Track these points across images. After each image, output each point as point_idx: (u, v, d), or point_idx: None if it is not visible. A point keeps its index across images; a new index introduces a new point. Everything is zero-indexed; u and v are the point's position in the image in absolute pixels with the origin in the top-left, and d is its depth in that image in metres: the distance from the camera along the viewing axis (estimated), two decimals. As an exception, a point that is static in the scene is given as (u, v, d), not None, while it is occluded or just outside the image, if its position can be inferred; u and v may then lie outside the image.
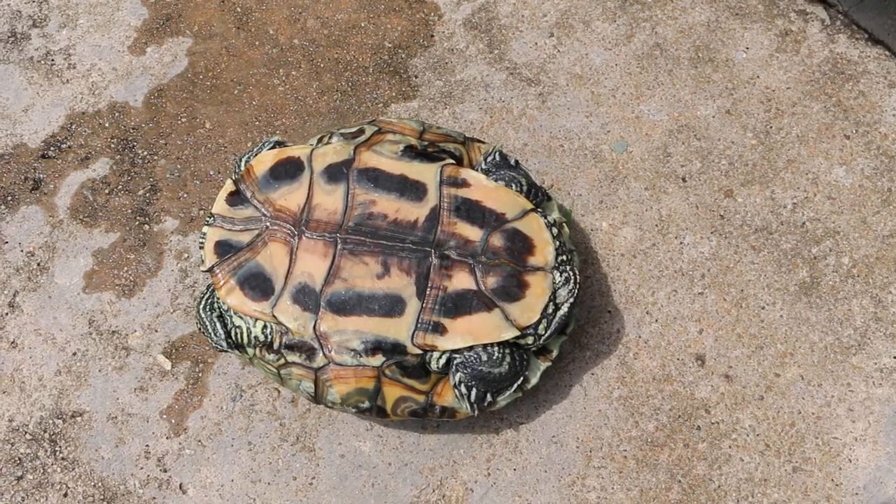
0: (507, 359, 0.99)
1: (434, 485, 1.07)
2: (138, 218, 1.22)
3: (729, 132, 1.23)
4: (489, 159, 1.07)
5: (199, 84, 1.31)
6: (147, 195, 1.23)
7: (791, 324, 1.13)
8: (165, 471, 1.09)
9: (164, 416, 1.11)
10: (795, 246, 1.16)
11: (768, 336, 1.12)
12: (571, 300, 1.01)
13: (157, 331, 1.16)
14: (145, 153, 1.26)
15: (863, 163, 1.21)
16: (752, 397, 1.09)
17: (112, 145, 1.27)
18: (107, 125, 1.28)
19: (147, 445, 1.10)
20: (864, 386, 1.09)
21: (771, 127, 1.23)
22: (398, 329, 0.97)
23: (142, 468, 1.09)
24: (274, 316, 0.98)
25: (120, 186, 1.24)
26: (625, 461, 1.07)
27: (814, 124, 1.23)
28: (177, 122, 1.28)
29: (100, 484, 1.08)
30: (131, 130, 1.28)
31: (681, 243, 1.17)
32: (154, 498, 1.07)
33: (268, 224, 1.00)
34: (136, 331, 1.16)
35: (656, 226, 1.18)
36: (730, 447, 1.07)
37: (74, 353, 1.15)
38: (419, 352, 0.97)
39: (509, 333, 0.97)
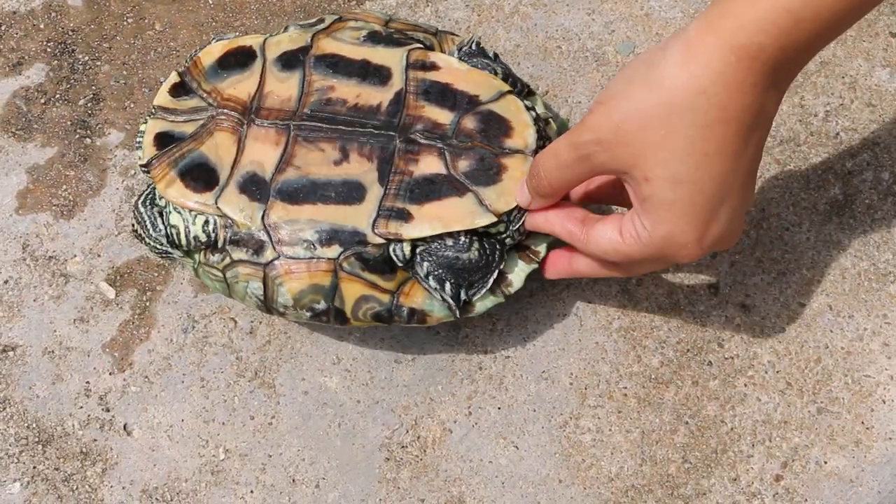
0: (476, 244, 1.07)
1: (408, 425, 1.16)
2: (79, 130, 1.31)
3: (755, 31, 1.31)
4: (464, 49, 1.16)
5: (147, -20, 1.38)
6: (89, 105, 1.32)
7: (819, 247, 1.21)
8: (108, 410, 1.18)
9: (107, 350, 1.20)
10: (827, 160, 1.24)
11: (792, 261, 1.20)
12: None
13: (99, 256, 1.25)
14: (86, 58, 1.35)
15: (911, 65, 1.28)
16: (773, 330, 1.18)
17: (48, 49, 1.35)
18: (42, 27, 1.36)
19: (87, 382, 1.19)
20: (903, 318, 1.17)
21: (804, 25, 1.31)
22: (357, 216, 1.06)
23: (81, 407, 1.18)
24: (218, 207, 1.07)
25: (58, 95, 1.32)
26: (624, 400, 1.16)
27: (855, 22, 1.32)
28: (122, 23, 1.37)
29: (34, 425, 1.17)
30: (70, 33, 1.36)
31: (695, 157, 1.25)
32: (95, 440, 1.17)
33: (213, 114, 1.11)
34: (75, 256, 1.25)
35: (667, 137, 1.26)
36: (745, 385, 1.16)
37: (6, 281, 1.23)
38: (381, 241, 1.06)
39: (484, 219, 1.06)
